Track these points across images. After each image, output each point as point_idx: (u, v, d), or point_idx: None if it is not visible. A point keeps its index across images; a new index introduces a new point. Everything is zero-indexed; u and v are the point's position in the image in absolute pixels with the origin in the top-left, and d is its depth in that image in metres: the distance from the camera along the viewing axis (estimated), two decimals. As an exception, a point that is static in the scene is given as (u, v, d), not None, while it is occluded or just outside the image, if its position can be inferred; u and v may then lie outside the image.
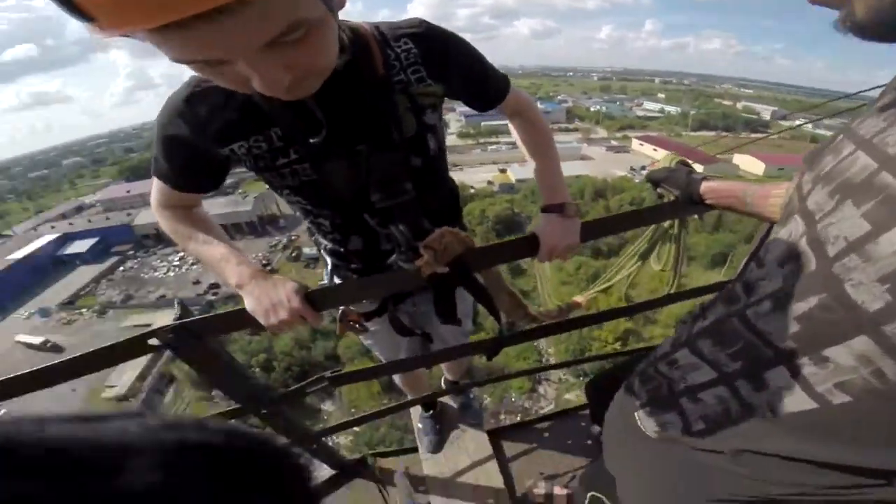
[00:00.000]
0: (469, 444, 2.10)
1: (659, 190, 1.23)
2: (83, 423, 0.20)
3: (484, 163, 70.60)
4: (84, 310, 41.73)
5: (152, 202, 1.05)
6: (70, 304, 43.47)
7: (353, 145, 0.90)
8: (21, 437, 0.18)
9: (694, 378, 0.73)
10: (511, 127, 1.22)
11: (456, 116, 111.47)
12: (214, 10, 0.49)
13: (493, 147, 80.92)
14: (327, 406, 26.21)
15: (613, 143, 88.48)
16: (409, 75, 0.91)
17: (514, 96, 1.12)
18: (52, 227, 62.25)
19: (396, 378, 1.92)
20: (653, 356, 0.90)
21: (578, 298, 1.61)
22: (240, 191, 66.16)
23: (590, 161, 73.15)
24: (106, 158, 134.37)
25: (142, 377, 30.54)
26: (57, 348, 36.07)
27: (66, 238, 57.13)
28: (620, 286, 1.59)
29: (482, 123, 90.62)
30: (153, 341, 1.01)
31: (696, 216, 1.26)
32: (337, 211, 1.03)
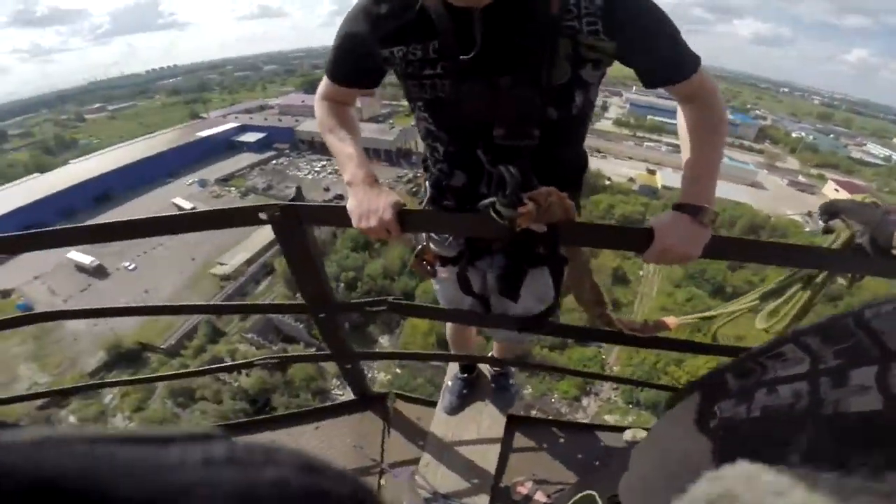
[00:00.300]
0: (485, 420, 2.05)
1: (832, 223, 1.02)
2: (141, 446, 0.17)
3: (633, 157, 63.20)
4: (233, 189, 49.04)
5: (317, 94, 1.15)
6: (224, 181, 51.54)
7: (497, 74, 0.89)
8: (65, 469, 0.15)
9: (787, 369, 0.72)
10: (679, 112, 1.05)
11: (620, 102, 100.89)
12: None
13: (651, 144, 71.39)
14: (384, 341, 27.69)
15: (801, 178, 68.05)
16: (583, 24, 0.85)
17: (698, 79, 0.94)
18: (236, 118, 73.47)
19: (448, 330, 1.98)
20: (752, 351, 0.84)
21: (670, 320, 1.40)
22: (390, 121, 70.47)
23: (761, 191, 58.26)
24: (296, 70, 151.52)
25: (248, 262, 34.85)
26: None
27: (243, 128, 67.15)
28: (720, 321, 1.39)
29: (648, 117, 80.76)
30: (262, 215, 1.10)
31: (858, 275, 1.02)
32: (455, 137, 1.04)
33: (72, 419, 24.41)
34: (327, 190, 47.48)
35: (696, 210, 0.95)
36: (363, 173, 1.03)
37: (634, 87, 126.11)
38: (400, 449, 1.98)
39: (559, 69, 0.90)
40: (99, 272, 37.88)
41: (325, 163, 55.77)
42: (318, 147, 59.58)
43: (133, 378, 2.04)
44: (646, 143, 71.30)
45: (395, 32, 0.93)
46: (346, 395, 1.71)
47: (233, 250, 36.19)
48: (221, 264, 34.84)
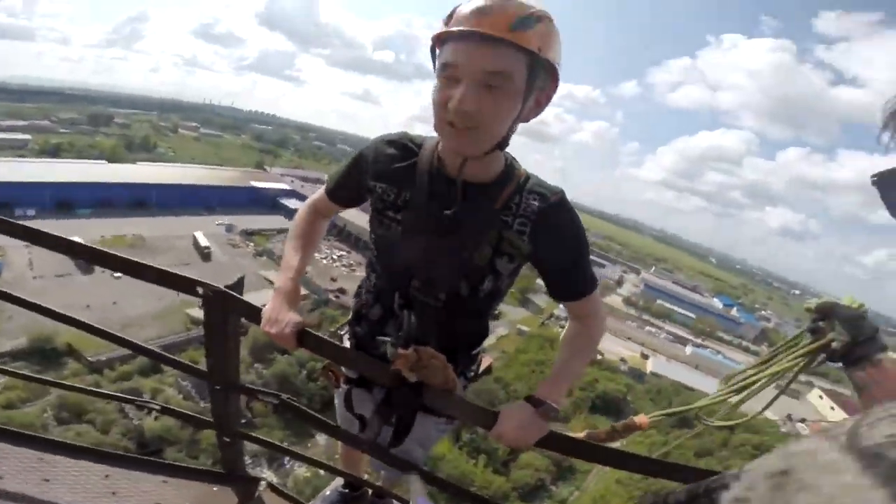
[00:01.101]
0: None
1: (822, 324, 1.08)
2: None
3: (632, 339, 63.39)
4: (251, 244, 52.04)
5: (309, 199, 1.34)
6: (249, 234, 54.95)
7: (434, 236, 1.05)
8: None
9: None
10: (568, 323, 1.24)
11: (636, 280, 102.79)
12: (495, 37, 0.86)
13: (652, 330, 71.82)
14: (320, 439, 26.42)
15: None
16: (514, 222, 1.04)
17: (589, 304, 1.16)
18: (291, 181, 79.87)
19: (340, 446, 1.95)
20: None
21: (640, 418, 1.37)
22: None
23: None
24: None
25: None
26: (207, 256, 45.80)
27: (291, 193, 72.68)
28: (698, 411, 1.36)
29: (658, 301, 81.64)
30: (199, 289, 1.28)
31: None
32: (386, 274, 1.19)
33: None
34: (334, 280, 48.69)
35: (540, 403, 1.07)
36: (289, 287, 1.19)
37: (654, 268, 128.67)
38: None
39: (481, 253, 1.05)
40: (85, 267, 38.44)
41: (343, 254, 58.72)
42: (346, 236, 63.44)
43: (19, 373, 2.26)
44: (647, 328, 71.48)
45: (385, 171, 1.11)
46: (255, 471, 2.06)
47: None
48: (201, 308, 35.89)
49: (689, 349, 63.20)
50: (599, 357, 47.22)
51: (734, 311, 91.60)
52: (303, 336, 1.16)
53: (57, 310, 1.67)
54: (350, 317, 1.39)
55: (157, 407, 1.98)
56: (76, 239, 1.43)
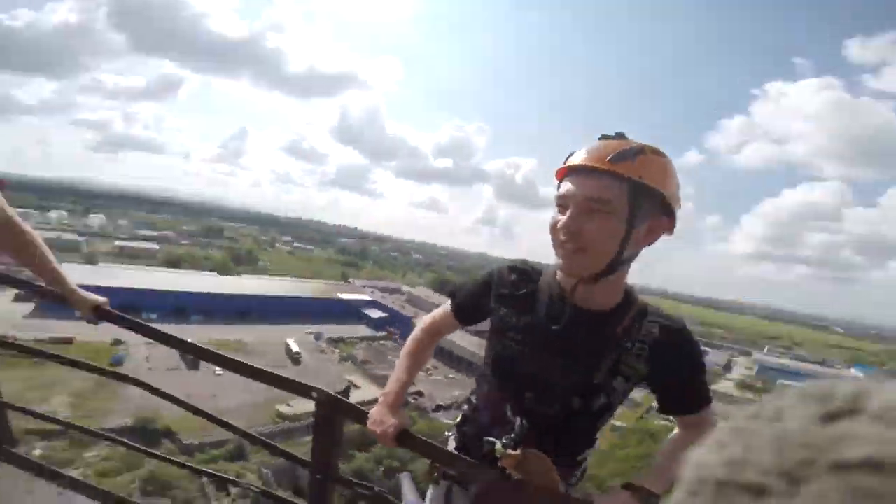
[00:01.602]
0: None
1: None
2: None
3: None
4: (337, 351, 54.11)
5: (425, 319, 1.46)
6: (335, 342, 57.45)
7: (554, 355, 1.12)
8: None
9: None
10: (676, 429, 1.26)
11: (747, 362, 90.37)
12: (594, 167, 1.00)
13: None
14: None
15: None
16: (634, 345, 1.10)
17: (701, 419, 1.17)
18: (372, 292, 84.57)
19: None
20: None
21: None
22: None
23: None
24: (433, 265, 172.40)
25: (302, 417, 36.35)
26: (297, 360, 48.26)
27: (372, 303, 76.79)
28: None
29: (778, 382, 70.63)
30: (314, 394, 1.49)
31: None
32: (500, 385, 1.23)
33: (37, 452, 25.29)
34: (413, 384, 48.83)
35: (641, 491, 1.05)
36: (393, 395, 1.32)
37: (767, 347, 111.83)
38: None
39: (599, 373, 1.09)
40: (193, 364, 42.71)
41: (433, 365, 58.93)
42: (447, 355, 64.15)
43: (123, 441, 2.52)
44: None
45: (508, 296, 1.21)
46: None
47: (306, 400, 38.50)
48: (289, 405, 37.09)
49: None
50: None
51: (853, 370, 76.69)
52: (402, 436, 1.29)
53: (167, 391, 2.02)
54: (458, 420, 1.43)
55: (258, 489, 2.21)
56: (190, 340, 1.82)
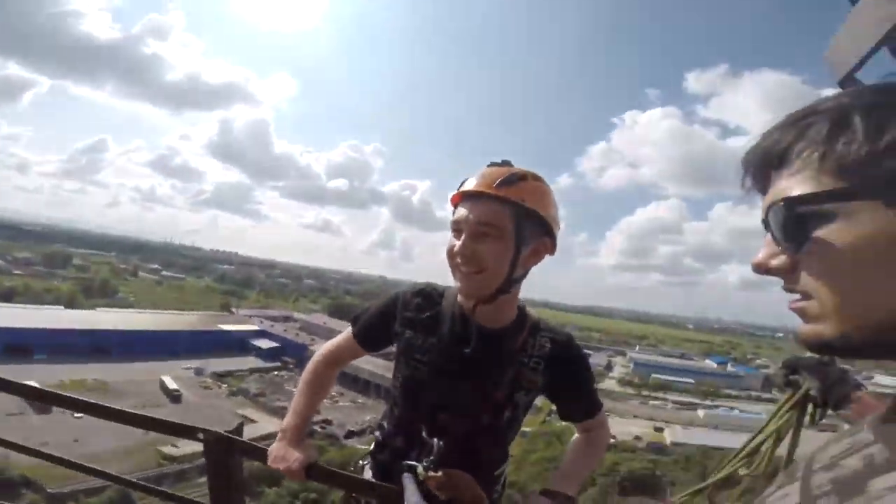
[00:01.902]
0: None
1: (792, 377, 1.14)
2: None
3: (639, 416, 60.77)
4: (224, 385, 49.01)
5: (324, 346, 1.43)
6: (220, 376, 51.94)
7: (460, 377, 1.20)
8: None
9: None
10: (575, 434, 1.36)
11: (623, 361, 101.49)
12: (484, 192, 1.08)
13: (657, 403, 69.45)
14: None
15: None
16: (530, 362, 1.21)
17: (596, 422, 1.31)
18: (261, 322, 78.21)
19: None
20: None
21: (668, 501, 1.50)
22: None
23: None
24: (329, 290, 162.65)
25: (203, 455, 32.52)
26: (177, 398, 42.79)
27: (261, 333, 70.84)
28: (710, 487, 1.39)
29: (652, 375, 79.75)
30: (200, 435, 1.34)
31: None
32: (411, 409, 1.28)
33: None
34: (317, 412, 45.97)
35: (556, 496, 1.14)
36: (292, 429, 1.30)
37: (637, 346, 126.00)
38: None
39: (500, 389, 1.19)
40: (40, 407, 34.83)
41: (338, 392, 56.08)
42: (352, 379, 60.83)
43: None
44: (651, 402, 68.91)
45: (412, 319, 1.25)
46: None
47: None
48: (174, 446, 32.56)
49: (701, 412, 61.92)
50: (612, 440, 44.37)
51: (730, 367, 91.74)
52: (311, 470, 1.28)
53: (18, 444, 1.69)
54: (372, 448, 1.45)
55: None
56: (32, 383, 1.57)
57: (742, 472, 1.37)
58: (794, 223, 0.47)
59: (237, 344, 65.84)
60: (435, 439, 1.20)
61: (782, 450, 1.33)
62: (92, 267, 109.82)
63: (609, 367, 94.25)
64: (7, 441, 1.67)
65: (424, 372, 1.24)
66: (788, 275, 0.49)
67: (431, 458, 1.18)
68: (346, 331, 1.42)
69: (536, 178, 1.14)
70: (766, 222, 0.52)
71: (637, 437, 50.15)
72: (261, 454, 1.32)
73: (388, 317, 1.31)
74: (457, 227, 1.14)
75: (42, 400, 1.56)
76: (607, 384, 78.00)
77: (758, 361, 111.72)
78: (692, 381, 79.46)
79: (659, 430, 54.04)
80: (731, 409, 64.16)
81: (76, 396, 1.47)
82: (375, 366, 52.21)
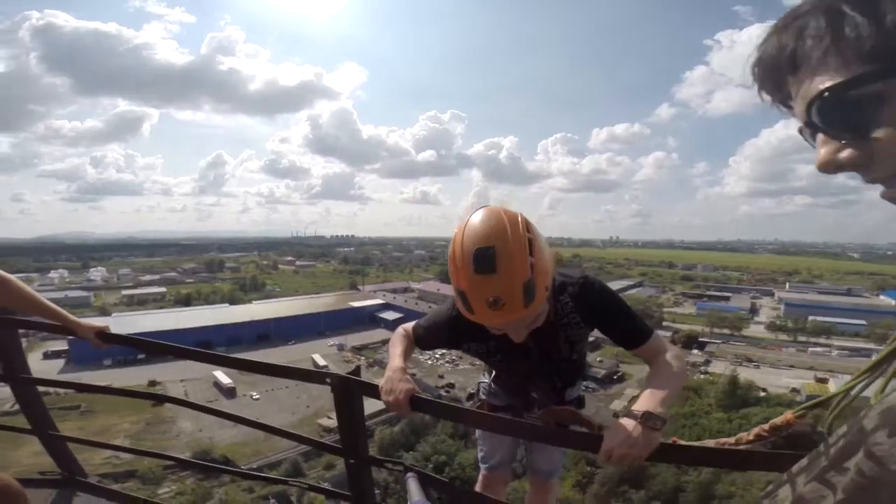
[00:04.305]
0: None
1: None
2: None
3: (796, 366, 53.34)
4: (363, 358, 54.92)
5: (407, 326, 1.66)
6: (359, 349, 58.36)
7: (531, 356, 1.48)
8: None
9: None
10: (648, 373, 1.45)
11: (772, 302, 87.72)
12: (514, 321, 1.18)
13: (818, 350, 59.55)
14: None
15: None
16: (570, 320, 1.42)
17: (654, 345, 1.38)
18: (384, 295, 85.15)
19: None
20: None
21: (785, 416, 1.23)
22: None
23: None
24: (438, 258, 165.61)
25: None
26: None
27: (386, 306, 77.44)
28: (836, 402, 1.04)
29: (810, 318, 68.18)
30: (328, 380, 1.59)
31: None
32: (510, 377, 1.71)
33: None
34: (441, 377, 49.84)
35: (646, 416, 1.11)
36: (398, 364, 1.48)
37: (788, 284, 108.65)
38: None
39: (562, 350, 1.48)
40: (229, 393, 44.72)
41: (443, 352, 59.83)
42: None
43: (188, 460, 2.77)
44: (810, 349, 59.55)
45: (470, 333, 1.42)
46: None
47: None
48: (330, 417, 38.13)
49: (875, 357, 51.52)
50: (763, 393, 41.94)
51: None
52: (415, 401, 1.37)
53: (227, 412, 2.16)
54: (478, 390, 1.87)
55: (305, 485, 2.34)
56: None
57: (874, 400, 1.02)
58: (851, 110, 0.46)
59: (368, 318, 72.95)
60: (539, 392, 1.62)
61: None
62: (241, 267, 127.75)
63: (754, 310, 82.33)
64: (233, 414, 2.23)
65: (504, 366, 1.60)
66: (866, 165, 0.48)
67: (536, 408, 1.60)
68: (409, 325, 1.66)
69: (522, 248, 1.13)
70: (810, 124, 0.51)
71: (794, 390, 43.98)
72: (373, 389, 1.48)
73: (449, 331, 1.50)
74: (497, 330, 1.28)
75: (231, 365, 1.93)
76: (753, 330, 68.99)
77: None
78: (864, 322, 66.88)
79: (822, 381, 46.55)
80: None
81: (246, 358, 1.91)
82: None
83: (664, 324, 68.49)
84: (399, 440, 34.97)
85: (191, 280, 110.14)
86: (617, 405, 41.23)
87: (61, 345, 51.09)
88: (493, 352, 1.52)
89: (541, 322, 1.31)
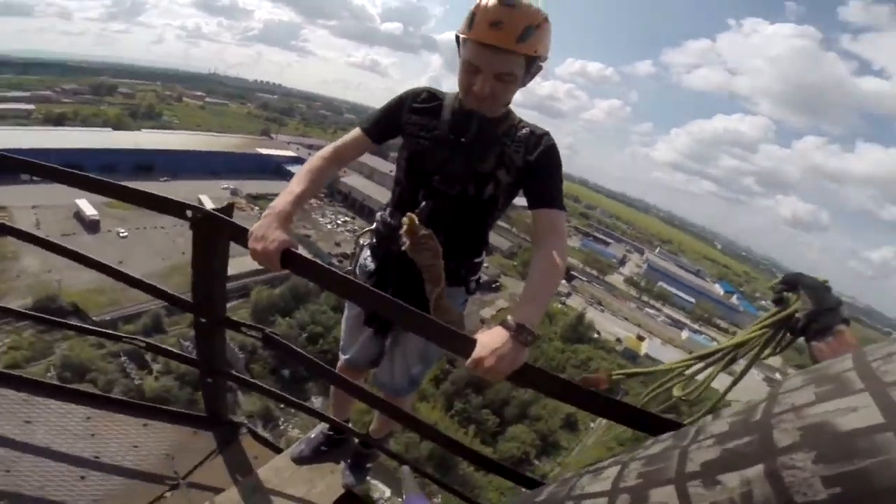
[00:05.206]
0: (319, 485, 1.90)
1: (786, 294, 1.08)
2: None
3: (629, 320, 62.37)
4: (257, 208, 51.87)
5: (332, 144, 1.48)
6: (255, 198, 54.92)
7: (455, 149, 1.38)
8: None
9: (594, 485, 0.74)
10: (532, 254, 1.31)
11: (639, 260, 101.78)
12: (506, 48, 1.20)
13: (651, 311, 70.37)
14: (317, 402, 26.70)
15: (778, 375, 64.29)
16: (512, 145, 1.39)
17: (555, 216, 1.33)
18: (297, 149, 79.48)
19: (332, 388, 2.00)
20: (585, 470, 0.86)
21: (602, 374, 1.31)
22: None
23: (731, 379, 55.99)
24: None
25: (231, 278, 35.37)
26: None
27: (296, 160, 72.31)
28: (657, 378, 1.31)
29: (659, 283, 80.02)
30: (188, 212, 1.30)
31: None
32: (411, 181, 1.46)
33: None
34: (338, 245, 49.19)
35: (518, 328, 1.05)
36: (281, 208, 1.26)
37: (658, 249, 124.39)
38: (212, 475, 1.86)
39: (486, 162, 1.38)
40: (91, 227, 40.05)
41: (348, 220, 58.67)
42: (351, 202, 63.11)
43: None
44: (646, 309, 70.04)
45: (419, 108, 1.44)
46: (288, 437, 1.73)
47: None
48: None
49: (685, 334, 61.85)
50: (596, 336, 47.97)
51: (734, 299, 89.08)
52: (287, 256, 1.19)
53: (76, 251, 1.61)
54: (369, 234, 1.62)
55: (143, 343, 1.96)
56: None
57: (676, 392, 1.27)
58: None
59: (273, 167, 68.36)
60: (424, 202, 1.40)
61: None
62: (137, 94, 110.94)
63: (622, 262, 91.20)
64: (83, 255, 1.62)
65: (426, 145, 1.42)
66: None
67: (417, 210, 1.34)
68: (352, 131, 1.52)
69: (546, 20, 1.25)
70: None
71: (618, 340, 50.56)
72: (241, 233, 1.26)
73: (398, 108, 1.47)
74: (471, 69, 1.29)
75: (81, 186, 1.46)
76: (614, 279, 77.12)
77: (763, 302, 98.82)
78: (693, 300, 76.40)
79: (640, 338, 53.68)
80: (713, 340, 60.27)
81: (106, 180, 1.42)
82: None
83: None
84: (277, 303, 33.94)
85: (69, 100, 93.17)
86: (486, 313, 43.28)
87: None
88: (427, 128, 1.43)
89: (497, 111, 1.39)
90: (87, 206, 41.48)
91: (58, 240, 1.68)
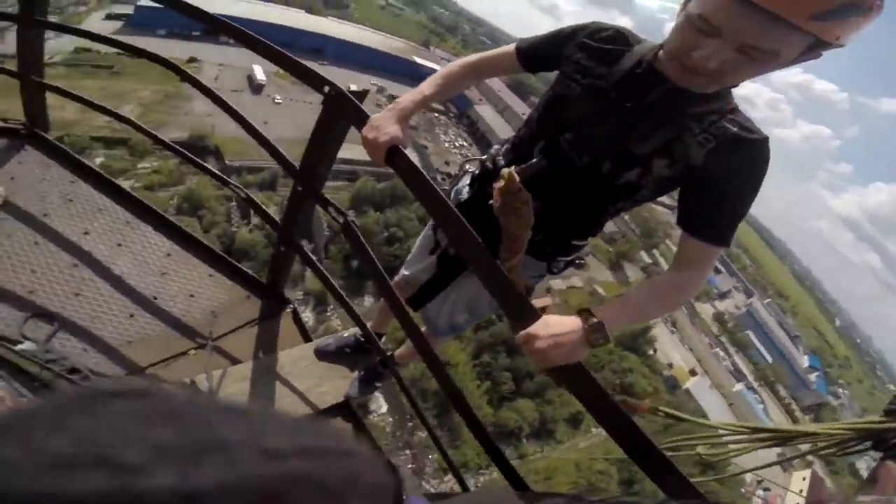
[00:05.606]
0: (325, 385, 1.97)
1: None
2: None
3: (693, 350, 57.73)
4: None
5: (475, 55, 1.31)
6: (393, 99, 57.04)
7: (611, 111, 1.04)
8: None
9: None
10: (662, 275, 1.13)
11: (741, 302, 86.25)
12: (787, 20, 0.75)
13: (720, 353, 63.52)
14: (368, 301, 28.52)
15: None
16: (699, 132, 0.98)
17: (708, 253, 1.03)
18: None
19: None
20: None
21: (646, 405, 1.21)
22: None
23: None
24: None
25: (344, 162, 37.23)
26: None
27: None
28: (700, 437, 1.22)
29: (746, 331, 72.17)
30: (326, 88, 1.36)
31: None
32: (539, 127, 1.17)
33: (99, 160, 27.71)
34: (447, 164, 50.79)
35: (595, 326, 0.94)
36: (404, 105, 1.20)
37: (770, 300, 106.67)
38: (240, 344, 1.91)
39: (646, 143, 1.00)
40: (257, 89, 47.10)
41: (465, 145, 59.97)
42: (474, 130, 64.08)
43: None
44: (716, 349, 63.94)
45: (592, 47, 1.09)
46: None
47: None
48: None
49: (738, 386, 56.24)
50: (651, 352, 45.82)
51: (814, 376, 74.80)
52: (393, 152, 1.17)
53: (227, 103, 1.82)
54: (483, 157, 1.35)
55: (243, 194, 2.06)
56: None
57: (700, 449, 1.27)
58: None
59: (421, 78, 69.34)
60: (542, 157, 1.11)
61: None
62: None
63: (723, 295, 79.85)
64: (228, 105, 1.83)
65: (576, 91, 1.09)
66: None
67: (524, 166, 1.09)
68: (505, 46, 1.28)
69: (879, 6, 0.78)
70: None
71: (669, 364, 48.46)
72: (363, 119, 1.26)
73: (566, 38, 1.15)
74: (710, 30, 0.84)
75: (228, 33, 1.61)
76: (704, 307, 69.51)
77: (840, 390, 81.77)
78: (770, 360, 67.58)
79: (693, 373, 49.96)
80: (761, 402, 57.09)
81: (263, 40, 1.53)
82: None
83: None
84: (375, 197, 34.79)
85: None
86: (556, 284, 41.76)
87: (127, 9, 50.63)
88: (589, 72, 1.09)
89: (708, 89, 0.94)
90: (259, 71, 48.11)
91: (226, 94, 1.87)
